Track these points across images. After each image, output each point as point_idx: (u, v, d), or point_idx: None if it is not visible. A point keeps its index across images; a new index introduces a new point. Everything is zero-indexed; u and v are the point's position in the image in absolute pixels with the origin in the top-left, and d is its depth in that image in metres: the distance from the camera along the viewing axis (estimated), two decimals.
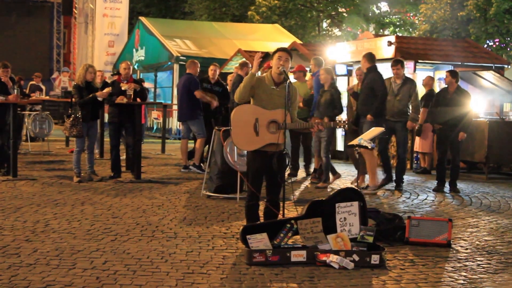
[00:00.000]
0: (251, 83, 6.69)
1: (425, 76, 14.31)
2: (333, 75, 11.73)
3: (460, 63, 15.22)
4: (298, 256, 6.29)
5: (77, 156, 11.15)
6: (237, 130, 6.79)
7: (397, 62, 11.30)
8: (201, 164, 12.82)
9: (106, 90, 11.20)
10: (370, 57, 11.11)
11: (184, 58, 22.35)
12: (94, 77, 11.41)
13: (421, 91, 14.70)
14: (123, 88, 11.73)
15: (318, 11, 33.79)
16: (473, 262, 6.62)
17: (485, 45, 24.12)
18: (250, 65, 12.94)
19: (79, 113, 10.96)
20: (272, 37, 25.17)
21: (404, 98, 11.19)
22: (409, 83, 11.34)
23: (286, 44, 19.21)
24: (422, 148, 14.03)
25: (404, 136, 11.38)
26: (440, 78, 14.03)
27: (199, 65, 13.20)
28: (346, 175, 13.31)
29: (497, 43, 25.63)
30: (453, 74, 11.42)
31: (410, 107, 11.34)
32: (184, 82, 12.84)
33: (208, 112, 12.96)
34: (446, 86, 11.49)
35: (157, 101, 24.00)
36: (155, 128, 23.76)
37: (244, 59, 14.93)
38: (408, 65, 14.75)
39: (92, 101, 11.00)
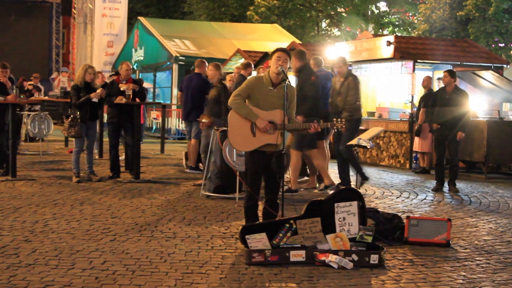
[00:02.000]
0: (246, 116, 6.71)
1: (424, 76, 14.31)
2: (222, 71, 11.50)
3: (459, 62, 15.23)
4: (297, 256, 6.28)
5: (76, 156, 11.15)
6: (234, 131, 6.79)
7: (339, 61, 11.03)
8: (198, 164, 12.81)
9: (98, 91, 11.15)
10: (301, 55, 10.62)
11: (183, 58, 22.37)
12: (94, 78, 11.40)
13: (420, 91, 14.75)
14: (122, 89, 11.73)
15: (317, 11, 33.79)
16: (472, 261, 6.62)
17: (484, 45, 24.11)
18: (253, 65, 12.96)
19: (78, 114, 10.96)
20: (271, 37, 25.17)
21: (344, 97, 10.88)
22: (349, 79, 10.94)
23: (285, 44, 19.22)
24: (421, 148, 14.04)
25: (350, 134, 10.80)
26: (439, 77, 14.04)
27: (207, 64, 13.15)
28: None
29: (496, 43, 25.63)
30: (451, 73, 11.43)
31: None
32: (199, 82, 12.69)
33: None
34: (444, 86, 11.48)
35: (156, 101, 23.99)
36: (154, 128, 23.75)
37: (247, 60, 14.91)
38: (407, 65, 14.79)
39: (87, 102, 10.96)
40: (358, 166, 10.83)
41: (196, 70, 13.00)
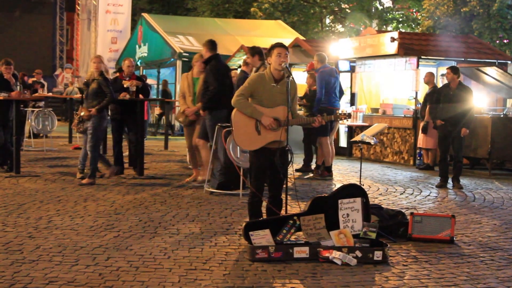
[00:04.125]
0: (251, 114, 6.71)
1: (426, 72, 14.27)
2: (102, 64, 11.14)
3: (463, 59, 15.19)
4: (301, 252, 6.28)
5: (83, 152, 11.19)
6: (238, 131, 6.78)
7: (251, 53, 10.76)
8: None
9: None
10: (212, 45, 10.33)
11: (187, 54, 22.35)
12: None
13: (424, 88, 14.73)
14: (125, 85, 11.75)
15: (321, 7, 33.73)
16: (476, 258, 6.61)
17: (488, 41, 24.05)
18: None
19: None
20: (274, 33, 25.14)
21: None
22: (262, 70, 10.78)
23: (289, 40, 19.21)
24: (426, 145, 14.01)
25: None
26: (443, 74, 14.01)
27: None
28: (349, 171, 13.32)
29: (500, 39, 25.56)
30: (454, 70, 11.40)
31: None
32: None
33: None
34: (448, 82, 11.46)
35: (160, 97, 24.00)
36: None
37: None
38: (411, 61, 14.76)
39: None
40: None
41: None
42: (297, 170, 12.47)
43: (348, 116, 7.28)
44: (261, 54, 10.56)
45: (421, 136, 14.07)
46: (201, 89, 10.38)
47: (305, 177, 12.19)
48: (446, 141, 11.36)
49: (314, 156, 13.07)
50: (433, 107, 12.05)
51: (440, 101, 11.48)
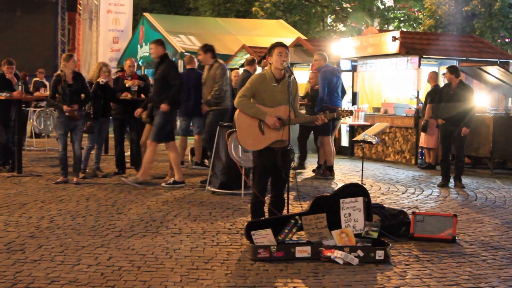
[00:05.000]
0: (255, 115, 6.70)
1: (429, 71, 14.27)
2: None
3: (465, 58, 15.17)
4: (303, 251, 6.29)
5: (87, 152, 11.22)
6: (242, 132, 6.77)
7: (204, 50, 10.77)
8: (204, 160, 12.92)
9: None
10: (162, 43, 10.39)
11: (189, 54, 22.34)
12: (108, 75, 11.39)
13: (426, 87, 14.72)
14: (127, 85, 11.76)
15: (322, 7, 33.71)
16: (478, 257, 6.61)
17: (490, 40, 24.05)
18: (256, 61, 12.94)
19: (91, 109, 10.99)
20: (276, 33, 25.11)
21: (210, 85, 10.68)
22: (214, 67, 10.65)
23: (290, 40, 19.21)
24: (427, 144, 14.00)
25: (208, 124, 10.75)
26: (444, 73, 14.01)
27: (195, 59, 13.22)
28: (350, 171, 13.32)
29: (502, 38, 25.55)
30: (451, 70, 11.40)
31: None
32: (198, 77, 12.71)
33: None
34: (449, 82, 11.48)
35: None
36: None
37: (252, 56, 14.91)
38: (413, 60, 14.75)
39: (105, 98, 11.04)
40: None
41: (188, 66, 13.02)
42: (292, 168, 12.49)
43: (350, 113, 7.29)
44: (213, 51, 10.65)
45: (423, 135, 14.06)
46: (158, 86, 10.26)
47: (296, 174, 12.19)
48: (448, 140, 11.36)
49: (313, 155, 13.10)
50: (433, 106, 12.05)
51: (442, 100, 11.48)
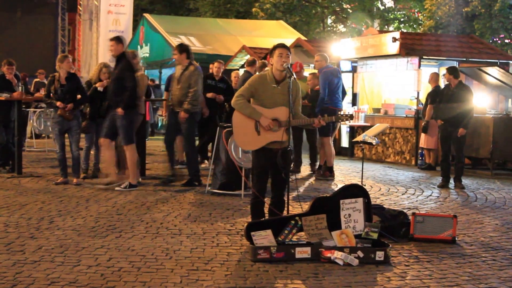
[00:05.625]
0: (250, 115, 6.71)
1: (430, 72, 14.27)
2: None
3: (464, 59, 15.18)
4: (303, 252, 6.28)
5: (85, 152, 11.22)
6: (238, 131, 6.80)
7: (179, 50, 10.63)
8: (204, 161, 13.18)
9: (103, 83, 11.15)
10: (122, 41, 10.28)
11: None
12: (108, 77, 11.38)
13: (426, 88, 14.72)
14: None
15: (322, 8, 33.73)
16: (478, 258, 6.61)
17: (490, 41, 24.06)
18: (257, 62, 12.95)
19: (87, 109, 11.00)
20: (276, 34, 25.12)
21: (184, 86, 10.47)
22: (190, 70, 10.48)
23: (290, 41, 19.20)
24: (427, 145, 14.01)
25: (186, 128, 10.58)
26: (443, 74, 14.02)
27: None
28: (350, 172, 13.32)
29: (502, 39, 25.57)
30: (451, 70, 11.42)
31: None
32: None
33: (213, 109, 13.01)
34: (448, 82, 11.51)
35: (162, 98, 23.99)
36: (159, 125, 23.76)
37: (252, 57, 14.94)
38: (413, 61, 14.76)
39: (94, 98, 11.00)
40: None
41: None
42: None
43: (350, 117, 7.27)
44: (189, 52, 10.56)
45: (423, 136, 14.07)
46: (115, 86, 10.14)
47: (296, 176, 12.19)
48: (448, 141, 11.36)
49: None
50: (435, 107, 12.06)
51: (441, 101, 11.50)
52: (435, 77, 13.86)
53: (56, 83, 10.34)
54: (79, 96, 10.49)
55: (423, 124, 13.91)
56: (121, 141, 10.31)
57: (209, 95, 12.86)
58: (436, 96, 12.42)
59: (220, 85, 13.14)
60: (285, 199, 6.88)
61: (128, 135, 10.17)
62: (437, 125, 12.11)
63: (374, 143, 10.74)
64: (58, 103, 10.26)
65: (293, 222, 6.55)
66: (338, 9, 34.03)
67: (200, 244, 6.83)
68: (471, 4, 24.69)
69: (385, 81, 16.78)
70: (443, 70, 14.99)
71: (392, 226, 7.38)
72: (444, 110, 11.36)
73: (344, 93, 12.70)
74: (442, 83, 14.06)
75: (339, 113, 11.27)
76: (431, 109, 13.20)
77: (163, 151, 14.97)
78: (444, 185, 11.30)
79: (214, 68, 13.19)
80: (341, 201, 6.70)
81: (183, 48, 10.62)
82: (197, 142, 13.49)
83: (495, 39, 25.14)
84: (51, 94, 10.38)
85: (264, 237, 6.36)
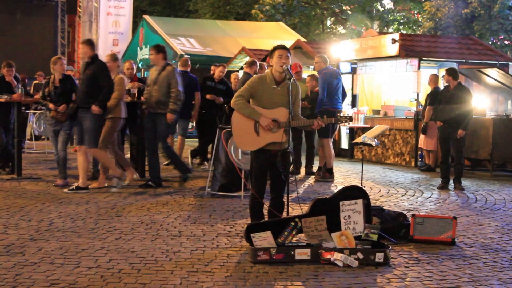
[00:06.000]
0: (250, 115, 6.71)
1: (429, 73, 14.28)
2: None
3: (464, 60, 15.19)
4: (303, 254, 6.28)
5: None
6: (238, 132, 6.81)
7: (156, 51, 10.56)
8: (204, 162, 13.33)
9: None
10: (92, 44, 10.19)
11: (188, 56, 22.33)
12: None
13: (426, 89, 14.73)
14: (127, 87, 11.74)
15: (322, 9, 33.73)
16: (478, 259, 6.60)
17: (489, 42, 24.07)
18: (258, 63, 12.97)
19: None
20: (276, 35, 25.13)
21: (162, 87, 10.37)
22: (168, 70, 10.44)
23: (290, 42, 19.20)
24: (426, 146, 14.01)
25: (164, 129, 10.56)
26: (443, 75, 14.03)
27: (189, 62, 13.58)
28: (350, 173, 13.32)
29: (501, 40, 25.57)
30: (450, 72, 11.44)
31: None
32: (190, 82, 12.90)
33: (212, 110, 13.05)
34: (447, 84, 11.53)
35: None
36: None
37: (252, 58, 14.97)
38: (413, 63, 14.76)
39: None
40: (178, 160, 11.12)
41: (182, 69, 13.19)
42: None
43: (350, 119, 7.27)
44: (165, 53, 10.53)
45: (422, 137, 14.07)
46: (86, 87, 9.98)
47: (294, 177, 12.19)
48: (447, 142, 11.37)
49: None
50: (435, 108, 12.07)
51: (441, 102, 11.52)
52: (434, 78, 13.86)
53: (50, 85, 10.36)
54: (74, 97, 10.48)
55: (422, 125, 13.91)
56: (86, 143, 10.04)
57: (208, 96, 12.90)
58: (435, 97, 12.43)
59: (220, 87, 13.19)
60: (285, 200, 6.88)
61: (95, 138, 9.98)
62: (437, 126, 12.11)
63: (373, 145, 10.74)
64: (50, 105, 10.27)
65: (292, 223, 6.54)
66: (337, 11, 34.04)
67: (200, 245, 6.83)
68: (471, 5, 24.69)
69: (384, 82, 16.78)
70: (442, 72, 15.00)
71: (392, 227, 7.38)
72: (443, 111, 11.37)
73: (344, 94, 12.69)
74: (442, 84, 14.07)
75: (338, 115, 11.35)
76: (430, 110, 13.20)
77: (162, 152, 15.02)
78: (443, 187, 11.31)
79: (218, 71, 13.26)
80: (341, 203, 6.70)
81: (160, 49, 10.55)
82: (196, 144, 13.54)
83: (494, 41, 25.13)
84: (46, 96, 10.40)
85: (264, 239, 6.36)
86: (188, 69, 13.30)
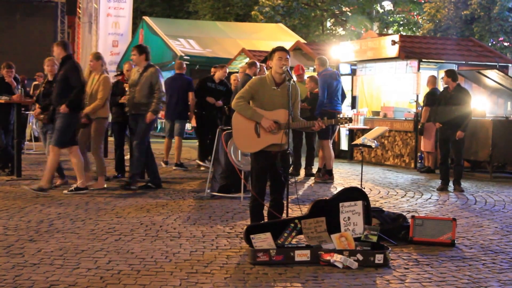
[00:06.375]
0: (251, 117, 6.71)
1: (428, 75, 14.29)
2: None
3: (464, 62, 15.20)
4: (302, 255, 6.28)
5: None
6: (238, 133, 6.81)
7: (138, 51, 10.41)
8: (182, 163, 13.58)
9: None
10: (65, 45, 10.00)
11: (188, 57, 22.36)
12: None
13: (425, 91, 14.72)
14: (126, 88, 11.74)
15: (321, 10, 33.76)
16: (477, 261, 6.60)
17: (489, 44, 24.09)
18: (258, 65, 13.00)
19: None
20: (275, 37, 25.16)
21: (143, 88, 10.25)
22: (150, 71, 10.30)
23: (290, 44, 19.22)
24: (424, 148, 14.03)
25: (144, 128, 10.37)
26: (442, 77, 14.05)
27: (184, 65, 13.92)
28: (350, 174, 13.32)
29: (501, 42, 25.60)
30: (449, 73, 11.46)
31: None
32: (182, 83, 13.33)
33: (213, 112, 13.08)
34: (446, 85, 11.55)
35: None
36: (159, 127, 23.77)
37: (252, 59, 14.99)
38: (412, 64, 14.77)
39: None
40: (141, 165, 10.71)
41: (180, 71, 13.59)
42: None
43: (349, 120, 7.27)
44: (148, 54, 10.40)
45: (422, 138, 14.09)
46: (60, 88, 9.82)
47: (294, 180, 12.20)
48: (446, 144, 11.37)
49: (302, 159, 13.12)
50: (431, 109, 12.11)
51: (440, 103, 11.53)
52: (432, 79, 13.89)
53: (41, 86, 10.41)
54: None
55: (419, 126, 13.94)
56: (52, 140, 9.94)
57: (209, 99, 12.94)
58: (433, 98, 12.47)
59: (220, 88, 13.24)
60: (284, 202, 6.88)
61: (61, 137, 9.79)
62: (434, 128, 12.15)
63: (373, 146, 10.73)
64: (37, 106, 10.29)
65: (292, 225, 6.54)
66: (337, 12, 34.07)
67: (200, 247, 6.83)
68: (470, 7, 24.72)
69: (384, 84, 16.79)
70: (442, 73, 15.01)
71: (391, 229, 7.38)
72: (442, 113, 11.38)
73: (343, 96, 12.70)
74: (441, 86, 14.09)
75: (338, 116, 11.35)
76: (426, 111, 13.26)
77: (162, 154, 15.04)
78: (443, 188, 11.31)
79: (222, 72, 13.32)
80: (341, 204, 6.70)
81: (142, 49, 10.41)
82: (196, 144, 13.56)
83: (494, 42, 25.17)
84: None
85: (264, 240, 6.36)
86: (184, 72, 13.54)
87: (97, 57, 10.66)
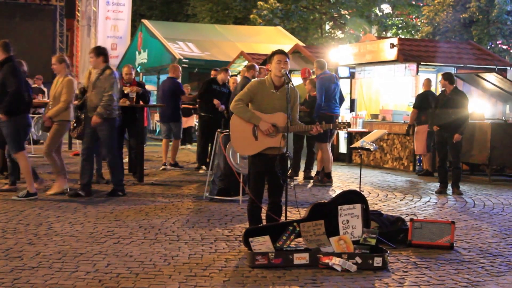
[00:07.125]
0: (249, 119, 6.72)
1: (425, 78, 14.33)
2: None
3: (462, 65, 15.22)
4: (301, 258, 6.28)
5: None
6: (236, 135, 6.81)
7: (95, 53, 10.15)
8: (177, 162, 13.89)
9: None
10: (6, 47, 9.81)
11: (187, 60, 22.39)
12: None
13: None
14: (125, 91, 11.76)
15: (320, 14, 33.79)
16: (476, 264, 6.61)
17: (488, 47, 24.12)
18: (257, 67, 13.01)
19: (82, 116, 10.94)
20: (274, 40, 25.18)
21: (100, 91, 9.89)
22: (107, 73, 9.95)
23: (288, 47, 19.23)
24: (417, 150, 14.08)
25: (106, 136, 10.00)
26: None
27: (180, 69, 14.22)
28: (348, 177, 13.32)
29: (499, 45, 25.62)
30: (445, 76, 11.49)
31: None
32: (170, 86, 13.66)
33: (217, 115, 13.11)
34: (444, 88, 11.58)
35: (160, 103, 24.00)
36: (157, 130, 23.78)
37: (251, 62, 15.02)
38: (411, 67, 14.78)
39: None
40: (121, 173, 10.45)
41: (171, 75, 13.90)
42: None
43: (348, 125, 7.28)
44: (106, 55, 10.14)
45: (414, 141, 14.16)
46: None
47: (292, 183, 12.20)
48: (444, 147, 11.38)
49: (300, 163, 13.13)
50: (429, 112, 12.21)
51: (437, 106, 11.56)
52: (426, 82, 13.92)
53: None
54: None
55: (406, 128, 14.04)
56: (10, 149, 9.78)
57: (215, 102, 13.02)
58: (423, 100, 12.68)
59: (224, 90, 13.35)
60: (283, 204, 6.88)
61: (15, 142, 9.63)
62: (426, 130, 12.24)
63: (372, 149, 10.73)
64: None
65: (291, 228, 6.55)
66: (336, 15, 34.09)
67: (198, 250, 6.83)
68: (469, 10, 24.75)
69: (383, 87, 16.81)
70: (440, 76, 15.04)
71: (390, 232, 7.38)
72: (439, 116, 11.39)
73: (342, 99, 12.72)
74: (439, 89, 14.10)
75: (336, 121, 11.36)
76: (415, 113, 13.42)
77: (160, 157, 15.03)
78: (442, 191, 11.32)
79: (224, 75, 13.38)
80: (339, 207, 6.71)
81: (99, 51, 10.13)
82: (194, 147, 13.57)
83: (492, 45, 25.19)
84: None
85: (262, 243, 6.36)
86: (176, 76, 13.88)
87: (61, 59, 10.44)
